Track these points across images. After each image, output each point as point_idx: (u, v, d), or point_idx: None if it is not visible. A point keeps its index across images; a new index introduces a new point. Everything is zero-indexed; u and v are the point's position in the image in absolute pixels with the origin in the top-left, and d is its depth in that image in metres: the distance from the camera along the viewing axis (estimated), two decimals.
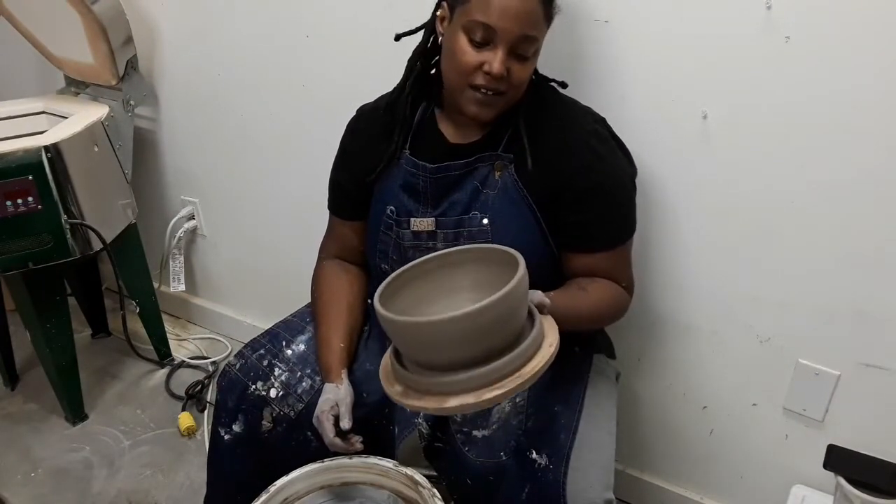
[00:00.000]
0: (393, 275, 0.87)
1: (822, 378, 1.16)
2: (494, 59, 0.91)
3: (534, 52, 0.95)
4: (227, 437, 1.09)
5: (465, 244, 0.95)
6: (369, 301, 1.17)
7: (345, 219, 1.17)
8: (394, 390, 0.83)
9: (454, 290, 0.89)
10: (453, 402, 0.76)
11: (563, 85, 1.07)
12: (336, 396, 0.99)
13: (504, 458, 0.96)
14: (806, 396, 1.19)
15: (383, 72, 1.10)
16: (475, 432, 1.00)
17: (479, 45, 0.92)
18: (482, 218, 1.01)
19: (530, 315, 0.85)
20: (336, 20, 1.40)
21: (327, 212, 1.20)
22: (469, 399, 0.76)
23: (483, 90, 0.94)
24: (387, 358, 0.87)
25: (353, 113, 1.15)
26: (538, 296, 0.87)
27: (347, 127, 1.15)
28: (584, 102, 1.05)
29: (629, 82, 1.13)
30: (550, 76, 1.08)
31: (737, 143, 1.08)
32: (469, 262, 0.89)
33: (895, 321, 1.07)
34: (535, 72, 1.04)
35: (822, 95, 0.99)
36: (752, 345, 1.21)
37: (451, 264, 0.89)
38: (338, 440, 0.97)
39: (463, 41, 0.93)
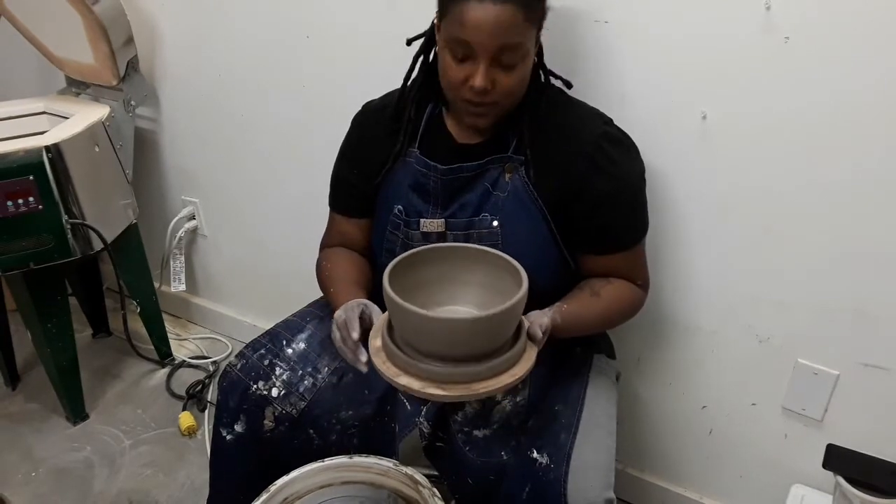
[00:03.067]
0: (407, 252, 0.91)
1: (822, 378, 1.16)
2: (477, 74, 0.90)
3: (521, 56, 0.92)
4: (228, 437, 1.09)
5: (477, 246, 0.96)
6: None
7: (347, 216, 1.16)
8: (373, 345, 0.89)
9: (462, 283, 0.94)
10: (403, 380, 0.83)
11: (568, 85, 1.07)
12: (363, 301, 0.95)
13: (505, 457, 0.96)
14: (805, 396, 1.19)
15: (384, 73, 1.11)
16: (476, 432, 1.00)
17: (461, 60, 0.92)
18: (492, 220, 1.01)
19: (519, 333, 0.87)
20: (337, 20, 1.41)
21: (328, 211, 1.20)
22: (414, 385, 0.83)
23: (472, 102, 0.94)
24: (384, 318, 0.91)
25: (354, 113, 1.15)
26: (536, 328, 0.88)
27: (353, 122, 1.14)
28: (592, 106, 1.04)
29: (629, 83, 1.13)
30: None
31: (736, 144, 1.09)
32: (481, 263, 0.93)
33: (895, 321, 1.07)
34: (543, 68, 1.03)
35: (822, 95, 0.99)
36: (751, 344, 1.21)
37: (465, 258, 0.94)
38: (356, 341, 0.91)
39: (447, 57, 0.93)
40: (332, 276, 1.10)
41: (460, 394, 0.82)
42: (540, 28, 0.96)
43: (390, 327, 0.89)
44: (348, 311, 0.94)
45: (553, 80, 1.06)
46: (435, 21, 0.99)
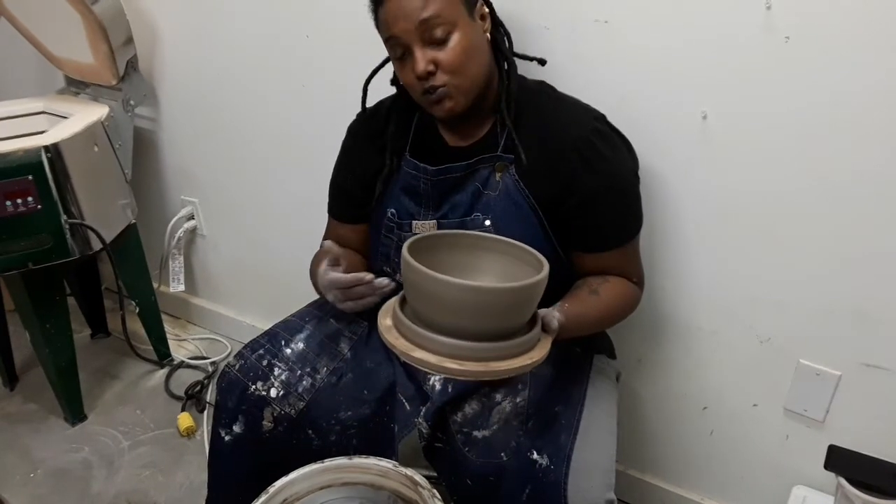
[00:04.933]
0: (429, 233, 0.91)
1: (823, 378, 1.16)
2: (416, 62, 0.93)
3: (450, 27, 0.92)
4: (227, 437, 1.08)
5: (497, 236, 0.95)
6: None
7: (345, 222, 1.18)
8: (383, 323, 0.87)
9: (479, 271, 0.93)
10: (419, 354, 0.81)
11: (542, 62, 1.08)
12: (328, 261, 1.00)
13: (504, 458, 0.95)
14: (807, 397, 1.18)
15: (384, 73, 1.10)
16: (475, 433, 0.99)
17: (404, 60, 0.95)
18: (484, 219, 1.01)
19: (533, 322, 0.87)
20: (336, 20, 1.40)
21: (327, 212, 1.21)
22: (431, 359, 0.80)
23: (430, 92, 0.95)
24: (394, 299, 0.90)
25: (354, 113, 1.15)
26: (551, 317, 0.88)
27: (348, 131, 1.16)
28: (584, 102, 1.04)
29: (629, 83, 1.13)
30: (551, 76, 1.08)
31: (737, 144, 1.08)
32: (500, 253, 0.93)
33: (895, 321, 1.07)
34: (507, 55, 1.02)
35: (822, 96, 0.99)
36: (752, 345, 1.21)
37: (485, 248, 0.93)
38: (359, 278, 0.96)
39: (395, 64, 0.97)
40: (318, 259, 1.10)
41: (477, 370, 0.79)
42: (471, 6, 0.95)
43: (401, 307, 0.88)
44: (326, 275, 0.97)
45: (531, 62, 1.08)
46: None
